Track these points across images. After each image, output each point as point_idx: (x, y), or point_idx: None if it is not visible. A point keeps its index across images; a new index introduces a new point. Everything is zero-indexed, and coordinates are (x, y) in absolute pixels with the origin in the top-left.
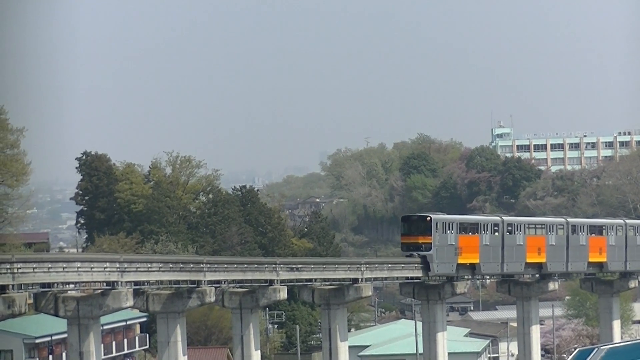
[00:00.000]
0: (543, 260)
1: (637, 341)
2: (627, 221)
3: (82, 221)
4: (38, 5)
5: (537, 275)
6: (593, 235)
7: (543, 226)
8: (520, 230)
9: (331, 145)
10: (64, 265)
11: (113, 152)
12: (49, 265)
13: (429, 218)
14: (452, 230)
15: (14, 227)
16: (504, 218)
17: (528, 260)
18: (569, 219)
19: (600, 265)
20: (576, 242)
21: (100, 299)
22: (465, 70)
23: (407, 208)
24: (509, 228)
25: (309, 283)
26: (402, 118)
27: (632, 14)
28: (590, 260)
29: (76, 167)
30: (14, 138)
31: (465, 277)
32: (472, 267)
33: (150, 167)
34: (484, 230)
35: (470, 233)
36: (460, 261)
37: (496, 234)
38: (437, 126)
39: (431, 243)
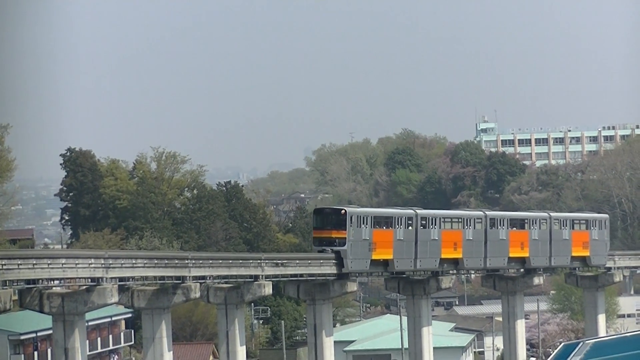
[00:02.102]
0: (459, 255)
1: (623, 335)
2: (552, 214)
3: (67, 217)
4: (21, 3)
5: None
6: (514, 229)
7: (460, 220)
8: (435, 225)
9: (316, 141)
10: (49, 262)
11: (97, 148)
12: (34, 262)
13: (343, 211)
14: (367, 224)
15: None
16: (417, 211)
17: (443, 256)
18: (487, 212)
19: (522, 261)
20: (495, 237)
21: (85, 295)
22: (450, 65)
23: (392, 203)
24: (423, 222)
25: (294, 278)
26: (387, 113)
27: (620, 10)
28: (511, 255)
29: (61, 164)
30: None
31: (448, 273)
32: (385, 264)
33: (135, 163)
34: (397, 225)
35: (384, 227)
36: (374, 257)
37: (410, 228)
38: (422, 121)
39: (345, 238)
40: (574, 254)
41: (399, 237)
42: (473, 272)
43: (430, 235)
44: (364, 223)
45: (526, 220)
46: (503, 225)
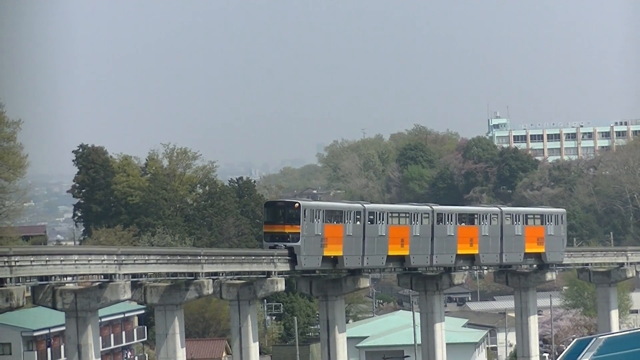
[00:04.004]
0: (406, 252)
1: (635, 330)
2: (503, 209)
3: (79, 214)
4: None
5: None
6: (463, 224)
7: (407, 215)
8: (383, 220)
9: (328, 137)
10: (62, 258)
11: (110, 144)
12: (47, 258)
13: (297, 205)
14: (319, 218)
15: (11, 220)
16: (365, 205)
17: (390, 253)
18: (434, 207)
19: (471, 258)
20: (442, 233)
21: (98, 291)
22: (462, 61)
23: (404, 199)
24: (371, 217)
25: (306, 274)
26: (399, 109)
27: (629, 5)
28: (459, 252)
29: (73, 160)
30: (10, 131)
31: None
32: (335, 261)
33: (147, 160)
34: (347, 219)
35: (335, 222)
36: (325, 253)
37: (358, 223)
38: (434, 117)
39: (299, 233)
40: (527, 251)
41: (348, 232)
42: (421, 270)
43: (377, 231)
44: (316, 217)
45: (476, 215)
46: (451, 220)
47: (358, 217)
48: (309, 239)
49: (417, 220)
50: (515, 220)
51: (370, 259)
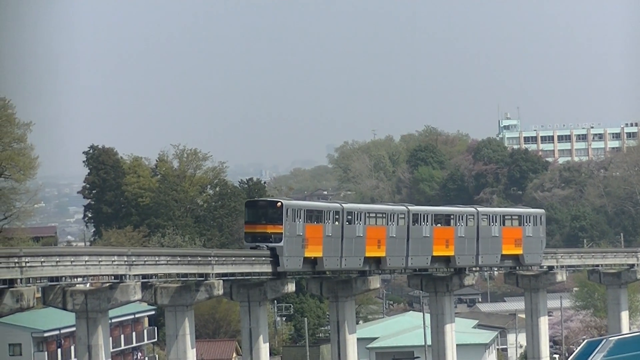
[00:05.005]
0: (383, 254)
1: None
2: (480, 209)
3: (90, 215)
4: (43, 0)
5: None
6: (439, 225)
7: (384, 215)
8: (360, 220)
9: (338, 138)
10: (72, 259)
11: (120, 145)
12: (57, 259)
13: (279, 204)
14: (300, 218)
15: (22, 221)
16: (343, 205)
17: (367, 255)
18: (410, 207)
19: (446, 260)
20: (418, 234)
21: (109, 292)
22: (472, 61)
23: (415, 200)
24: (349, 217)
25: (317, 275)
26: (409, 110)
27: (638, 4)
28: (435, 254)
29: (83, 161)
30: (21, 132)
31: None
32: (314, 262)
33: (157, 160)
34: (327, 219)
35: (315, 222)
36: (306, 254)
37: (337, 223)
38: (444, 118)
39: (282, 233)
40: (504, 252)
41: (328, 233)
42: (397, 272)
43: (355, 231)
44: (298, 217)
45: (452, 216)
46: (427, 221)
47: (337, 217)
48: (290, 240)
49: (393, 221)
50: (492, 221)
51: (348, 260)
